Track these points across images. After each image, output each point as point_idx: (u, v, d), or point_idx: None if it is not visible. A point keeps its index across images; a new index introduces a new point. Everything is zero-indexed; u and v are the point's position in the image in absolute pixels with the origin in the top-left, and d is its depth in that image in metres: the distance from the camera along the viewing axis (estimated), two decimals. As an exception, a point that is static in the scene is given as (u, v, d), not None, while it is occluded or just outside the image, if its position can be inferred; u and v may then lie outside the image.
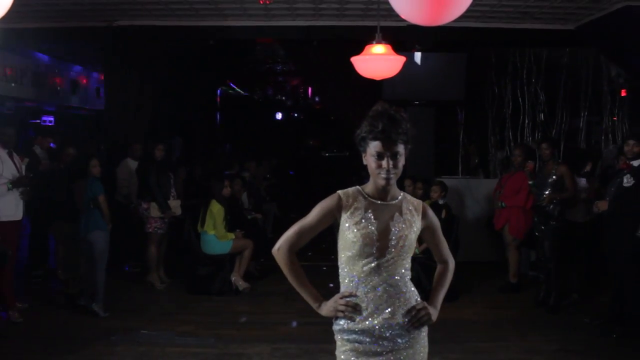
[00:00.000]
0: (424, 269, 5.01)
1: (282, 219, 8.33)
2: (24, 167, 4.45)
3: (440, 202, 5.25)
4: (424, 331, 1.78)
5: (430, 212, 1.84)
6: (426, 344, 1.78)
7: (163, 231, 5.33)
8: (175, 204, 5.36)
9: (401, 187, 5.90)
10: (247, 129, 13.36)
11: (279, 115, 14.80)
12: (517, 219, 5.16)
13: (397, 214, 1.74)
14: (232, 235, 5.19)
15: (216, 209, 5.10)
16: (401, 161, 1.73)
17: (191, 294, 5.12)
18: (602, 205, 4.12)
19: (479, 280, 5.66)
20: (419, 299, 1.78)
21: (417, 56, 6.28)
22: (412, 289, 1.77)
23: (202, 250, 5.21)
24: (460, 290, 5.11)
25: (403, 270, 1.75)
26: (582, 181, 4.95)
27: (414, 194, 5.84)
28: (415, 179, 5.92)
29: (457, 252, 5.18)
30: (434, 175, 6.39)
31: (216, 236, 5.13)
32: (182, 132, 8.90)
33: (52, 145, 6.12)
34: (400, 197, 1.79)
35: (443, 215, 5.13)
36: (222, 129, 12.28)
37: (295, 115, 15.65)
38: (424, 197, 5.54)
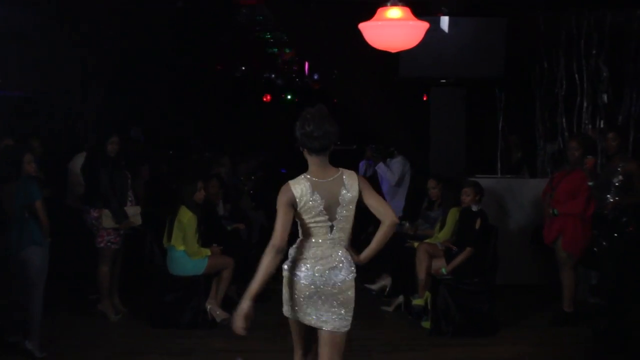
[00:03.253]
0: (453, 294, 5.01)
1: (271, 230, 8.33)
2: None
3: (474, 208, 5.27)
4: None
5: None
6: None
7: (118, 246, 5.34)
8: (133, 212, 5.37)
9: (424, 187, 5.96)
10: (227, 115, 13.38)
11: (266, 98, 14.82)
12: (573, 230, 5.16)
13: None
14: (207, 252, 5.21)
15: (187, 218, 5.11)
16: None
17: (155, 328, 5.14)
18: None
19: (524, 309, 5.67)
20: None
21: (444, 22, 6.28)
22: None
23: (168, 271, 5.22)
24: (500, 322, 5.12)
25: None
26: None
27: (440, 198, 5.86)
28: (441, 179, 5.92)
29: (496, 272, 5.18)
30: (465, 174, 6.40)
31: (187, 253, 5.14)
32: (142, 120, 8.90)
33: None
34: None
35: (477, 225, 5.14)
36: (194, 116, 12.27)
37: (288, 97, 15.66)
38: (453, 201, 5.55)
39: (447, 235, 5.51)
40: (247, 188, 7.98)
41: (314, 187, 2.86)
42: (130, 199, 5.41)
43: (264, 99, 14.91)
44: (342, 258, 2.94)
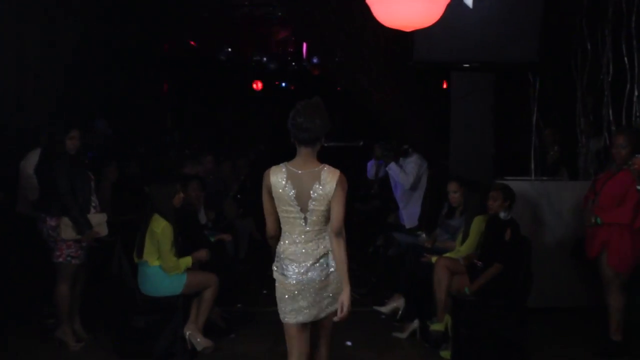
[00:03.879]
0: (478, 318, 4.99)
1: (262, 242, 8.31)
2: None
3: (503, 216, 5.25)
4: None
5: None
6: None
7: (80, 261, 5.32)
8: (98, 220, 5.35)
9: (444, 191, 5.94)
10: (210, 105, 13.38)
11: (257, 85, 14.81)
12: (620, 243, 5.12)
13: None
14: (187, 261, 5.19)
15: (160, 228, 5.08)
16: None
17: (123, 358, 5.12)
18: None
19: (563, 336, 5.64)
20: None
21: (468, -5, 6.27)
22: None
23: (139, 291, 5.20)
24: (533, 352, 5.08)
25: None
26: None
27: (462, 204, 5.84)
28: (464, 181, 5.91)
29: (529, 293, 5.16)
30: (493, 175, 6.38)
31: (162, 268, 5.12)
32: (108, 111, 8.90)
33: None
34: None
35: (507, 236, 5.12)
36: (171, 106, 12.29)
37: (283, 84, 15.65)
38: (478, 208, 5.53)
39: (471, 249, 5.49)
40: (233, 192, 7.98)
41: (289, 177, 3.42)
42: (94, 204, 5.38)
43: (254, 87, 14.90)
44: (325, 250, 3.48)
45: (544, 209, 6.37)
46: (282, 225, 3.51)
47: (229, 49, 13.47)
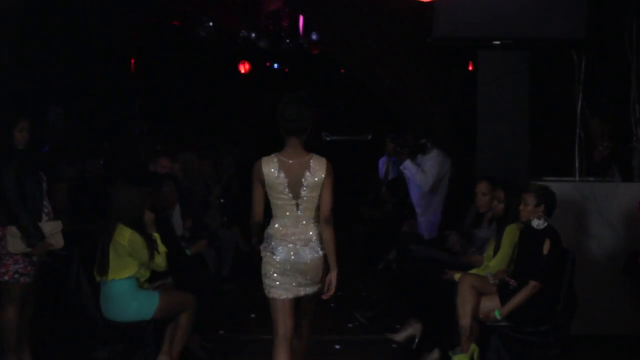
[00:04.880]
0: (511, 348, 4.99)
1: (250, 255, 8.27)
2: None
3: (536, 224, 5.23)
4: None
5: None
6: None
7: (30, 279, 5.30)
8: (52, 229, 5.35)
9: (470, 194, 5.93)
10: (188, 91, 13.37)
11: (244, 67, 14.80)
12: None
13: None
14: (161, 262, 5.20)
15: (126, 239, 5.08)
16: None
17: (81, 396, 5.14)
18: None
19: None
20: None
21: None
22: None
23: (102, 315, 5.19)
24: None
25: None
26: None
27: (492, 210, 5.83)
28: (494, 182, 5.89)
29: (572, 318, 5.15)
30: (528, 175, 6.37)
31: (137, 282, 5.16)
32: (65, 98, 8.90)
33: None
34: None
35: (545, 249, 5.10)
36: (140, 92, 12.29)
37: (275, 66, 15.64)
38: (511, 215, 5.51)
39: (503, 264, 5.49)
40: (215, 196, 7.98)
41: (281, 166, 4.28)
42: (46, 210, 5.37)
43: (240, 69, 14.89)
44: (310, 237, 4.33)
45: (591, 216, 6.36)
46: (274, 211, 4.37)
47: (210, 23, 13.44)
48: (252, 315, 6.71)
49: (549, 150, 7.36)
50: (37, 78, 7.46)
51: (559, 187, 5.87)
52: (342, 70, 13.89)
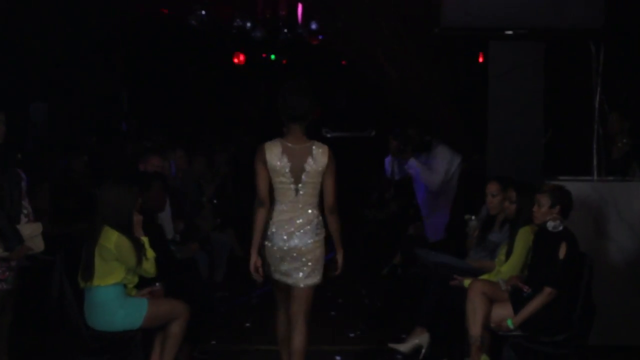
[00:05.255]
0: (521, 355, 4.99)
1: (245, 260, 8.28)
2: None
3: (553, 226, 5.24)
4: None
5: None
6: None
7: (9, 286, 5.31)
8: (32, 231, 5.35)
9: (480, 195, 5.94)
10: (180, 84, 13.36)
11: (238, 58, 14.80)
12: None
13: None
14: (150, 268, 5.18)
15: (113, 242, 5.09)
16: None
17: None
18: None
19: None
20: None
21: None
22: None
23: (86, 325, 5.18)
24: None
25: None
26: None
27: (504, 211, 5.83)
28: (506, 181, 5.90)
29: (590, 327, 5.15)
30: (542, 174, 6.39)
31: (124, 289, 5.16)
32: (48, 92, 8.90)
33: None
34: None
35: (561, 253, 5.11)
36: (128, 86, 12.30)
37: (272, 57, 15.64)
38: (524, 217, 5.52)
39: (516, 269, 5.50)
40: (208, 197, 7.98)
41: (284, 151, 4.72)
42: (26, 211, 5.38)
43: (235, 61, 14.90)
44: (309, 220, 4.76)
45: (610, 218, 6.36)
46: (275, 195, 4.76)
47: (203, 12, 13.44)
48: (247, 324, 6.72)
49: (565, 148, 7.35)
50: (19, 72, 7.46)
51: (576, 187, 5.88)
52: (344, 62, 13.88)
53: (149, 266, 5.19)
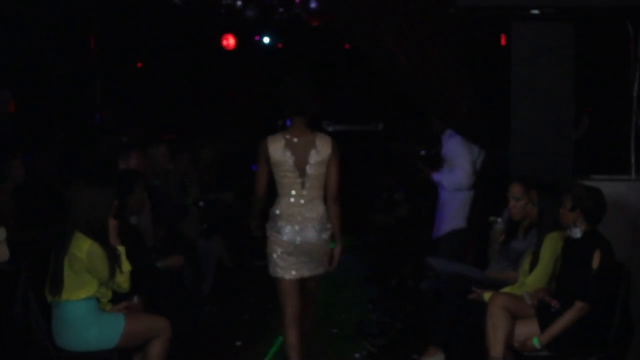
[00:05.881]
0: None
1: (234, 270, 8.30)
2: None
3: (574, 231, 5.24)
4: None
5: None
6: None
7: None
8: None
9: (502, 197, 5.92)
10: (161, 71, 13.36)
11: (227, 41, 14.79)
12: None
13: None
14: (123, 283, 5.17)
15: (85, 251, 5.08)
16: None
17: None
18: None
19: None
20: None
21: None
22: None
23: (54, 344, 5.18)
24: None
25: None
26: None
27: (528, 216, 5.82)
28: (532, 182, 5.89)
29: (629, 346, 5.13)
30: (573, 172, 6.40)
31: (98, 304, 5.15)
32: (12, 79, 8.88)
33: None
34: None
35: (595, 262, 5.10)
36: (102, 72, 12.29)
37: (266, 40, 15.65)
38: (546, 221, 5.50)
39: (542, 281, 5.49)
40: (193, 198, 7.96)
41: (287, 145, 5.27)
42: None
43: (224, 44, 14.90)
44: (318, 214, 5.32)
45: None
46: (279, 190, 5.34)
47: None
48: (238, 343, 6.71)
49: (598, 142, 7.34)
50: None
51: (611, 187, 5.88)
52: (347, 46, 13.88)
53: (123, 280, 5.17)
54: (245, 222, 8.63)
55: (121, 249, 5.23)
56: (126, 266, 5.21)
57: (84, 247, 5.07)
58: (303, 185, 5.29)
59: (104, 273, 5.08)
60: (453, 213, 7.06)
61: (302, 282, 5.40)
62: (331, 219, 5.37)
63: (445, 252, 6.91)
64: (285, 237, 5.27)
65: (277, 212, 5.34)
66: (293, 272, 5.31)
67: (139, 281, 5.38)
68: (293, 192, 5.30)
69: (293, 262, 5.29)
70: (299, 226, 5.27)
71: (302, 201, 5.31)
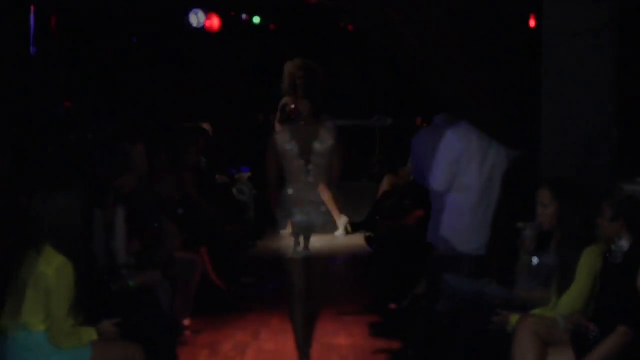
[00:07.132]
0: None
1: (222, 292, 8.27)
2: None
3: (621, 246, 5.25)
4: None
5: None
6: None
7: None
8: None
9: (530, 204, 5.94)
10: (135, 57, 13.39)
11: (211, 22, 14.81)
12: None
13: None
14: (91, 334, 5.23)
15: (54, 268, 5.10)
16: None
17: None
18: None
19: None
20: None
21: None
22: None
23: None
24: None
25: None
26: None
27: (561, 226, 5.83)
28: (564, 187, 5.89)
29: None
30: (614, 174, 6.45)
31: (49, 337, 5.14)
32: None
33: None
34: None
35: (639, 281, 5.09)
36: (65, 59, 12.30)
37: (256, 20, 15.67)
38: (566, 231, 5.51)
39: (578, 303, 5.50)
40: (171, 206, 7.97)
41: (292, 134, 6.44)
42: None
43: (207, 25, 14.92)
44: (322, 201, 6.47)
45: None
46: (287, 177, 6.49)
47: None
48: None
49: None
50: None
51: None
52: (350, 27, 13.90)
53: (68, 327, 5.15)
54: (229, 236, 8.76)
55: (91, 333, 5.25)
56: (87, 335, 5.21)
57: (53, 263, 5.09)
58: (309, 173, 6.44)
59: (61, 301, 5.08)
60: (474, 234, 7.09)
61: (309, 263, 6.51)
62: (326, 201, 6.58)
63: (465, 268, 6.90)
64: (295, 219, 6.43)
65: (286, 198, 6.51)
66: (300, 253, 6.44)
67: (108, 302, 5.39)
68: (300, 180, 6.45)
69: (301, 242, 6.43)
70: (307, 210, 6.42)
71: (308, 188, 6.46)
